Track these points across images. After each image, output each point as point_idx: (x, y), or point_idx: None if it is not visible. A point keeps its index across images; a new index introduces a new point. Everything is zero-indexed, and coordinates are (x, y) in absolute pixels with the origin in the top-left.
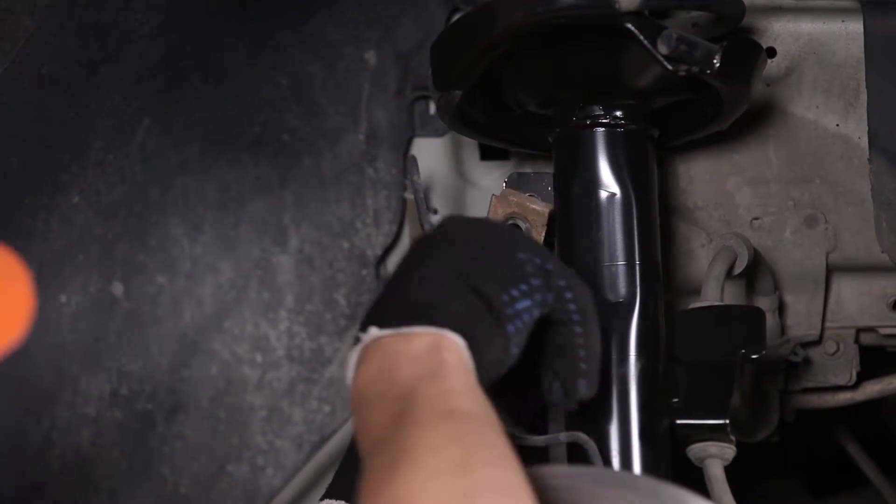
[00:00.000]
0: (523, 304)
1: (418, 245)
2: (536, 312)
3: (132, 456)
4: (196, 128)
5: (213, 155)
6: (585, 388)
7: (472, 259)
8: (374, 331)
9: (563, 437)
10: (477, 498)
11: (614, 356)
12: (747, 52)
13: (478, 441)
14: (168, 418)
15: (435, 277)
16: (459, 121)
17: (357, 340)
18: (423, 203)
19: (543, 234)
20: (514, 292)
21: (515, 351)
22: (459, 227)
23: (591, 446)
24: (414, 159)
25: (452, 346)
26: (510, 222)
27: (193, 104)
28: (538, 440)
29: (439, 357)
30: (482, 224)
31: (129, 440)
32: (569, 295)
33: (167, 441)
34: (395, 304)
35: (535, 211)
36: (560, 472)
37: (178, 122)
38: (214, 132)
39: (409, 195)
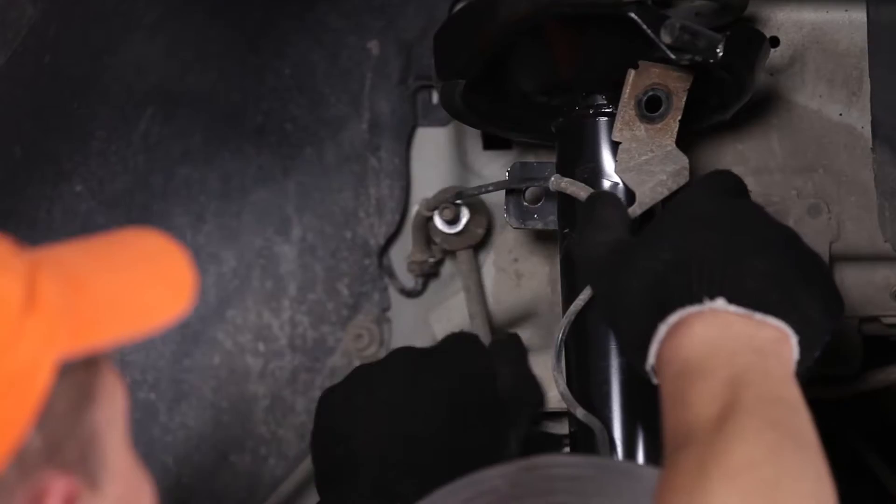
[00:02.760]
0: (826, 337)
1: (753, 210)
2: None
3: (135, 445)
4: (198, 117)
5: (216, 144)
6: None
7: (816, 268)
8: (721, 302)
9: (580, 412)
10: None
11: (618, 345)
12: (750, 41)
13: (796, 463)
14: (171, 408)
15: (786, 264)
16: (462, 110)
17: (697, 300)
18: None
19: (685, 99)
20: (832, 322)
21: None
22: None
23: (602, 435)
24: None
25: (790, 350)
26: (650, 94)
27: (196, 93)
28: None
29: (781, 357)
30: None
31: (131, 430)
32: None
33: (170, 431)
34: (746, 280)
35: (680, 77)
36: (564, 462)
37: (180, 111)
38: (217, 122)
39: (427, 213)
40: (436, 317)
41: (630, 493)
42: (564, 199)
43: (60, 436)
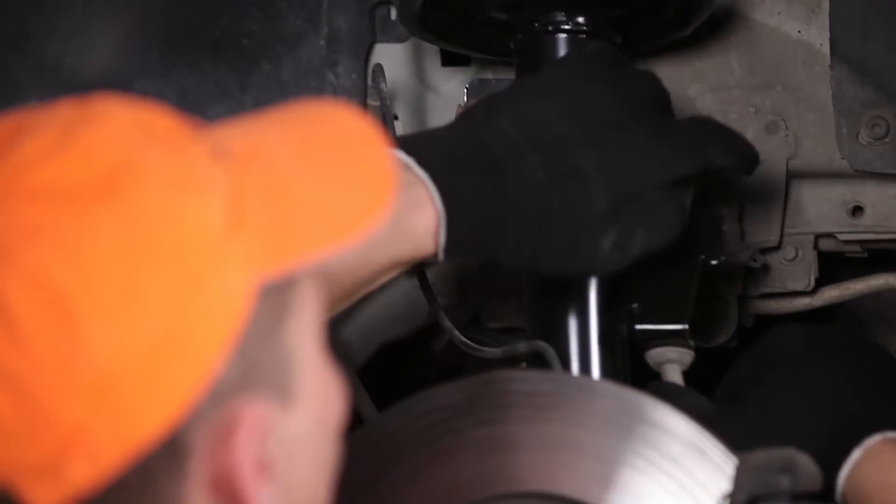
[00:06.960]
0: None
1: None
2: None
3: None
4: (155, 32)
5: (173, 59)
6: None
7: None
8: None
9: (522, 346)
10: None
11: None
12: None
13: None
14: None
15: None
16: (421, 26)
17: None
18: (390, 111)
19: None
20: None
21: None
22: None
23: (551, 353)
24: (380, 67)
25: None
26: None
27: (152, 8)
28: (495, 352)
29: None
30: None
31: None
32: None
33: None
34: None
35: None
36: (521, 376)
37: (137, 26)
38: (174, 36)
39: (372, 102)
40: None
41: (586, 406)
42: None
43: (256, 358)
